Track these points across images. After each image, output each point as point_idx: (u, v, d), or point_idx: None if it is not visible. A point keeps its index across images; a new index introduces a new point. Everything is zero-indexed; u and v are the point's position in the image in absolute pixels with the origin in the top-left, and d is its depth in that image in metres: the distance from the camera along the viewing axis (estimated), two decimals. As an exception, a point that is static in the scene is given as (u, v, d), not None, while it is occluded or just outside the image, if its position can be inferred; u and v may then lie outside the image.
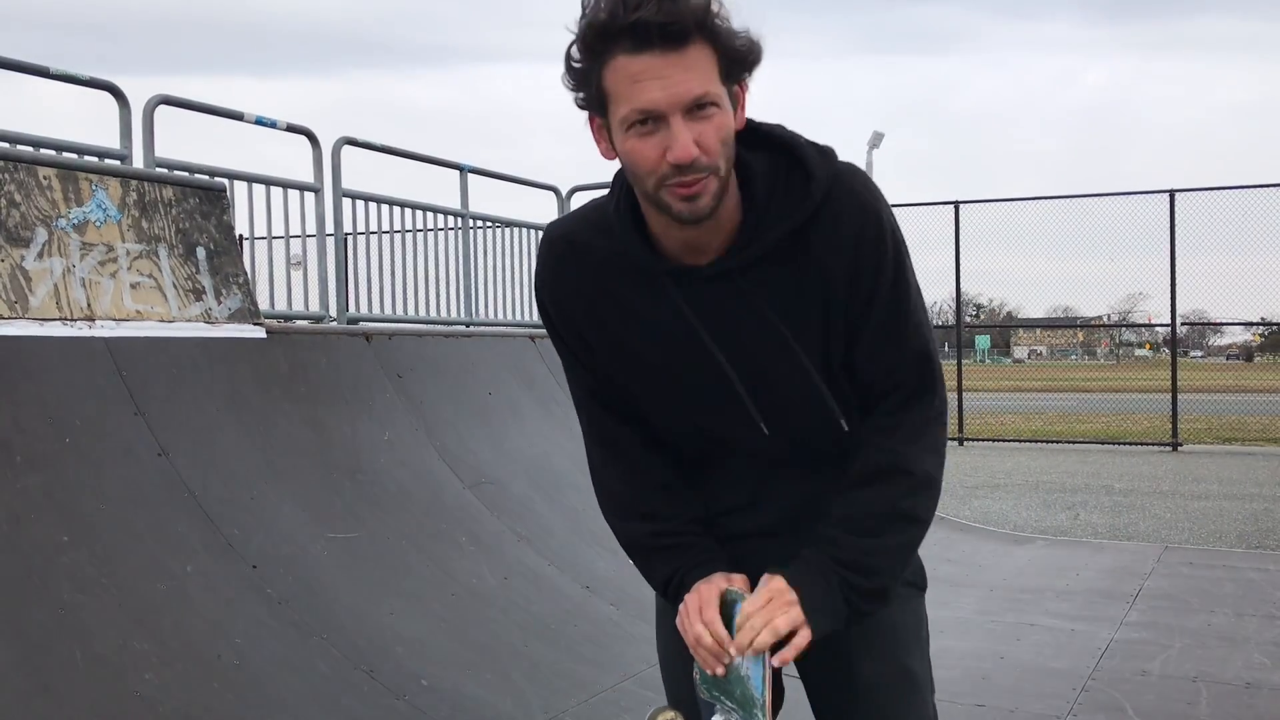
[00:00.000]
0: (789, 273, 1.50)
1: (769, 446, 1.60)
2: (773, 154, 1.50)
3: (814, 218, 1.47)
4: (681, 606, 1.56)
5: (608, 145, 1.46)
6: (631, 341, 1.57)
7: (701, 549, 1.62)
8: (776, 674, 1.54)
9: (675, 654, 1.69)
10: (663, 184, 1.40)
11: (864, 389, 1.58)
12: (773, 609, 1.47)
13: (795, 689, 1.71)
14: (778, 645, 1.48)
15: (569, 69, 1.43)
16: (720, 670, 1.51)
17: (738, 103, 1.44)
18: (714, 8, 1.36)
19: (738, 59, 1.40)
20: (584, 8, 1.39)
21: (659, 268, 1.52)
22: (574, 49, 1.41)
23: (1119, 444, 14.90)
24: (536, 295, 1.63)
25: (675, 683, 1.72)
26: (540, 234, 1.68)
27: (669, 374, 1.57)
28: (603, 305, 1.56)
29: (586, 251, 1.56)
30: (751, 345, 1.53)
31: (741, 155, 1.46)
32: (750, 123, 1.48)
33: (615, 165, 1.51)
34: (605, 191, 1.60)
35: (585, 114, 1.47)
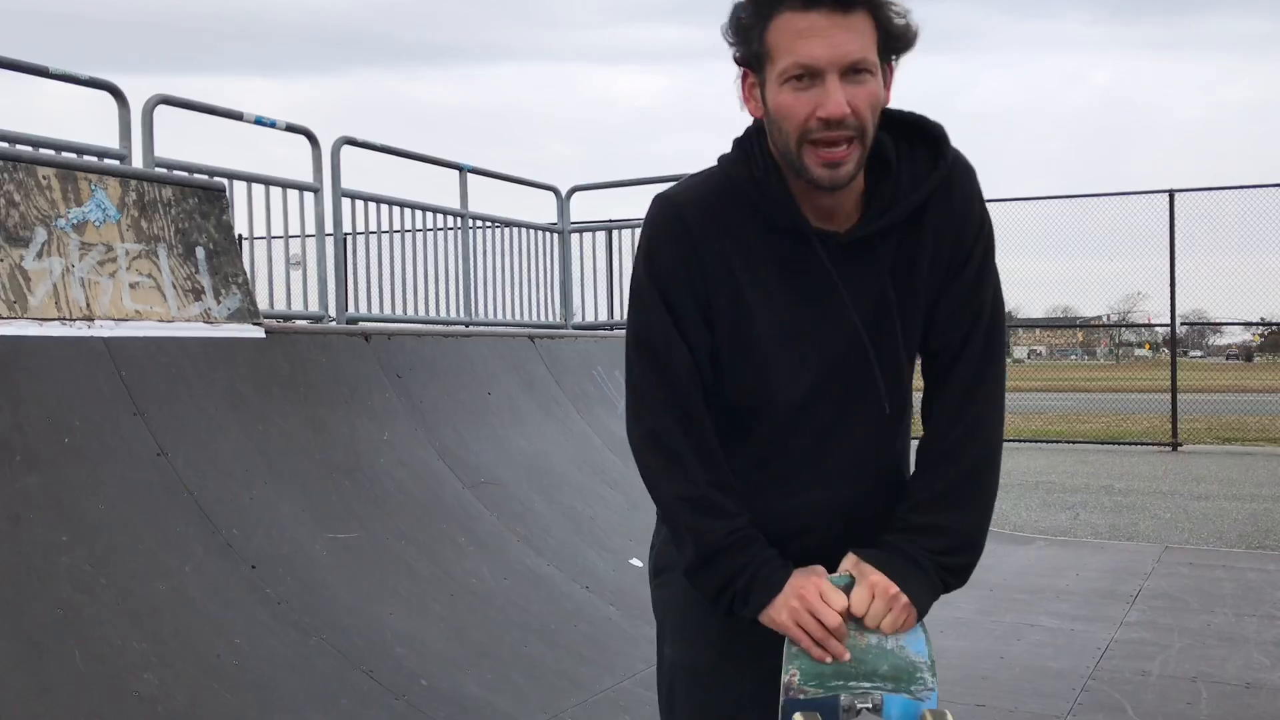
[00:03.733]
0: (908, 242, 1.58)
1: (877, 413, 1.62)
2: (890, 128, 1.57)
3: (935, 188, 1.57)
4: (795, 602, 1.52)
5: (757, 102, 1.52)
6: (767, 303, 1.56)
7: (764, 544, 1.59)
8: None
9: (734, 657, 1.66)
10: (805, 140, 1.46)
11: (938, 348, 1.64)
12: (892, 621, 1.54)
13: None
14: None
15: (733, 24, 1.50)
16: (847, 655, 1.51)
17: (887, 81, 1.50)
18: None
19: (896, 35, 1.47)
20: None
21: (809, 230, 1.55)
22: (742, 6, 1.49)
23: (1119, 444, 14.90)
24: (649, 265, 1.58)
25: (722, 689, 1.67)
26: (651, 204, 1.60)
27: (801, 335, 1.57)
28: (738, 268, 1.56)
29: (724, 215, 1.57)
30: (875, 314, 1.58)
31: None
32: None
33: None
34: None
35: (740, 72, 1.54)
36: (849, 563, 1.59)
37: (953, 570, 1.59)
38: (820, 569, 1.58)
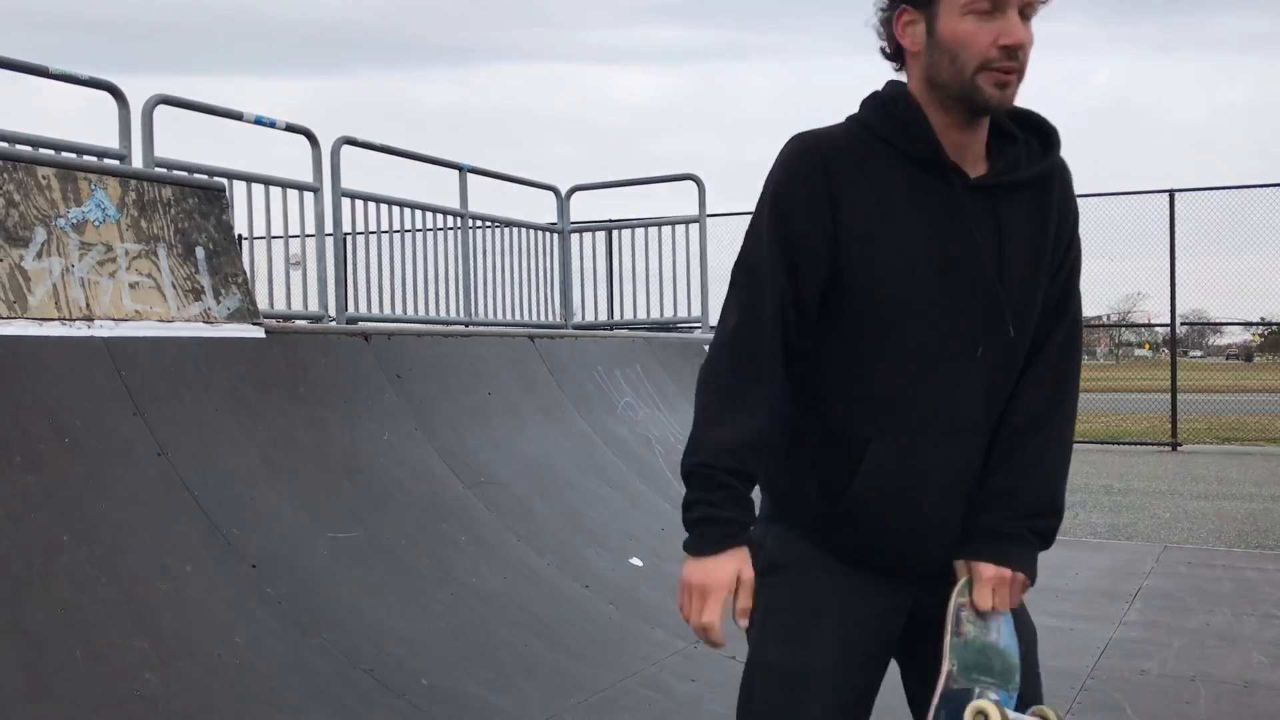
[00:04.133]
0: (1034, 207, 1.68)
1: (997, 361, 1.67)
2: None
3: (1054, 169, 1.70)
4: (693, 585, 1.57)
5: (914, 38, 1.62)
6: (901, 238, 1.61)
7: (729, 494, 1.59)
8: None
9: (847, 662, 1.67)
10: (984, 68, 1.56)
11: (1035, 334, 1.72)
12: (1012, 598, 1.67)
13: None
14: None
15: None
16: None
17: None
18: None
19: None
20: None
21: (948, 162, 1.62)
22: None
23: (1119, 444, 14.90)
24: (776, 197, 1.63)
25: (826, 695, 1.66)
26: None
27: (934, 271, 1.62)
28: (873, 203, 1.61)
29: (861, 151, 1.63)
30: (1008, 258, 1.65)
31: None
32: None
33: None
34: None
35: (887, 16, 1.66)
36: (960, 569, 1.67)
37: (1044, 534, 1.70)
38: (746, 560, 1.59)
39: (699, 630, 1.58)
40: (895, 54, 1.68)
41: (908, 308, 1.61)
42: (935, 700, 1.60)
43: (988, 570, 1.64)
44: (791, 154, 1.64)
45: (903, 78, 1.69)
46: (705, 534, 1.58)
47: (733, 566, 1.57)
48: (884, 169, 1.62)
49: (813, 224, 1.60)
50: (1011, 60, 1.56)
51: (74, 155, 5.11)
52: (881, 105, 1.66)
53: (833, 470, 1.64)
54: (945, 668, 1.61)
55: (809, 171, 1.61)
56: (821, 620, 1.67)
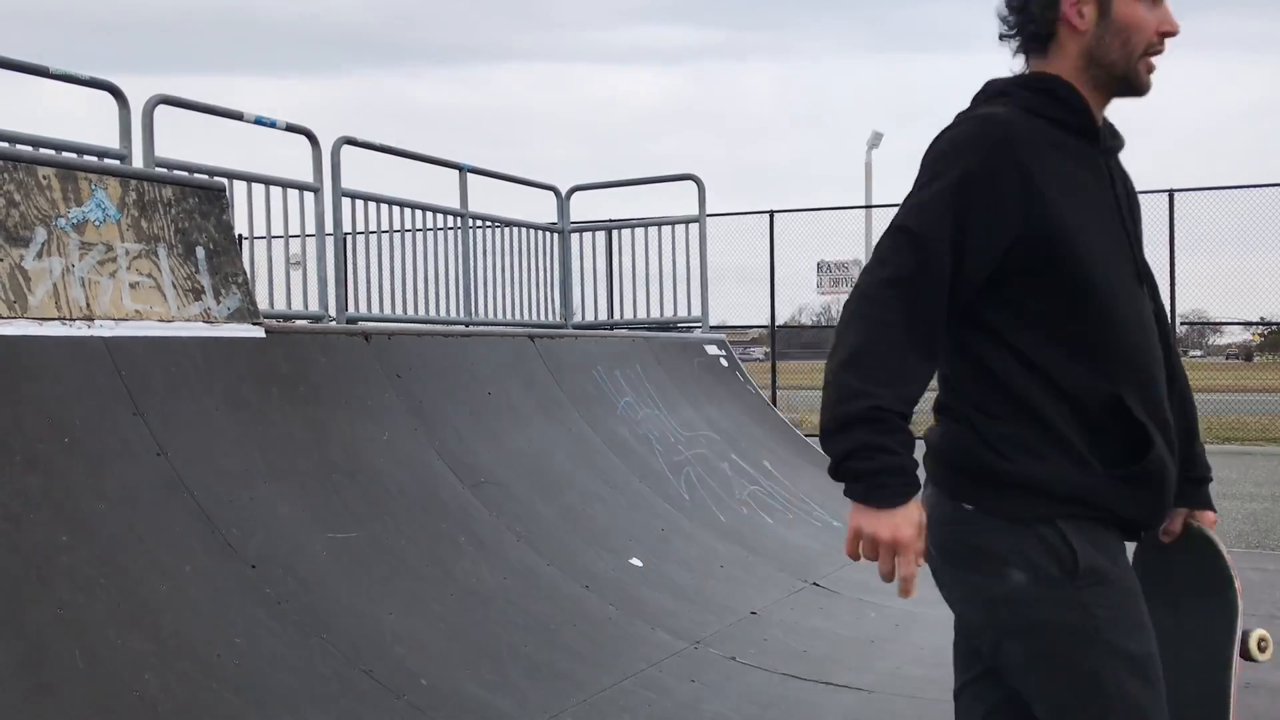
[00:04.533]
0: (1122, 170, 1.83)
1: (1146, 308, 1.80)
2: None
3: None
4: (890, 528, 1.57)
5: (1086, 18, 1.71)
6: (1086, 199, 1.71)
7: (902, 438, 1.61)
8: None
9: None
10: (1147, 52, 1.72)
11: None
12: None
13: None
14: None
15: None
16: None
17: None
18: None
19: None
20: None
21: (1099, 131, 1.75)
22: None
23: (1118, 444, 14.86)
24: (961, 184, 1.64)
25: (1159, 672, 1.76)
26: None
27: (1110, 227, 1.73)
28: (1057, 175, 1.68)
29: (1032, 125, 1.70)
30: (1136, 214, 1.84)
31: None
32: None
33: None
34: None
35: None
36: (1180, 518, 1.91)
37: None
38: (920, 506, 1.62)
39: (898, 580, 1.59)
40: (1043, 35, 1.74)
41: (1103, 266, 1.69)
42: (1241, 624, 1.98)
43: (1210, 516, 1.93)
44: (982, 138, 1.67)
45: (1016, 66, 1.79)
46: (889, 484, 1.58)
47: (918, 516, 1.61)
48: (1054, 142, 1.70)
49: (998, 210, 1.64)
50: (1162, 47, 1.71)
51: (74, 155, 5.11)
52: (1028, 87, 1.74)
53: (1100, 436, 1.69)
54: (1241, 605, 1.92)
55: (1000, 156, 1.65)
56: (1143, 604, 1.75)
